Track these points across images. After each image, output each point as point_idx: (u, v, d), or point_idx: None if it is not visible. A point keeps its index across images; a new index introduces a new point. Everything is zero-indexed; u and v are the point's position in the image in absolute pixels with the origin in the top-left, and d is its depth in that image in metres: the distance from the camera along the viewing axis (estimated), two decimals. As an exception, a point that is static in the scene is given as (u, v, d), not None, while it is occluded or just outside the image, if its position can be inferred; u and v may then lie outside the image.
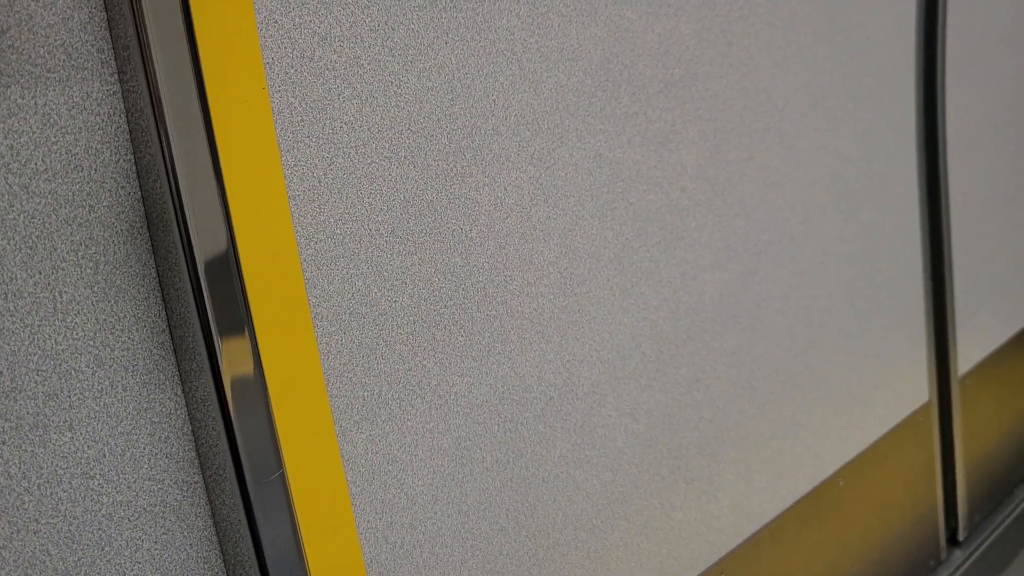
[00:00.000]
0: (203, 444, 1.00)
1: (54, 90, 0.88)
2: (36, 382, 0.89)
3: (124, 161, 0.93)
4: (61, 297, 0.90)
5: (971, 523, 2.41)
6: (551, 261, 1.33)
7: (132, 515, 0.96)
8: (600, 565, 1.46)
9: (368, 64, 1.09)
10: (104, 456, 0.93)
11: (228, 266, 0.96)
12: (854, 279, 1.96)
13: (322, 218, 1.07)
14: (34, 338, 0.89)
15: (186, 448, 1.00)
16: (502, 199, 1.26)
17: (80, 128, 0.90)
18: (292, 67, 1.03)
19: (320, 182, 1.06)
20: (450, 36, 1.17)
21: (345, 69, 1.07)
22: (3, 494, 0.87)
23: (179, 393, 0.99)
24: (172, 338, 0.98)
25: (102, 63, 0.91)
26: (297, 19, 1.03)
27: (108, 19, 0.91)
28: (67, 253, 0.90)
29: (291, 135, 1.03)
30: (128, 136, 0.93)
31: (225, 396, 0.96)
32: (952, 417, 2.30)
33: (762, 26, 1.65)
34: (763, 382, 1.74)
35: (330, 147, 1.07)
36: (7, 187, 0.86)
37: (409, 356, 1.17)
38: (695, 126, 1.54)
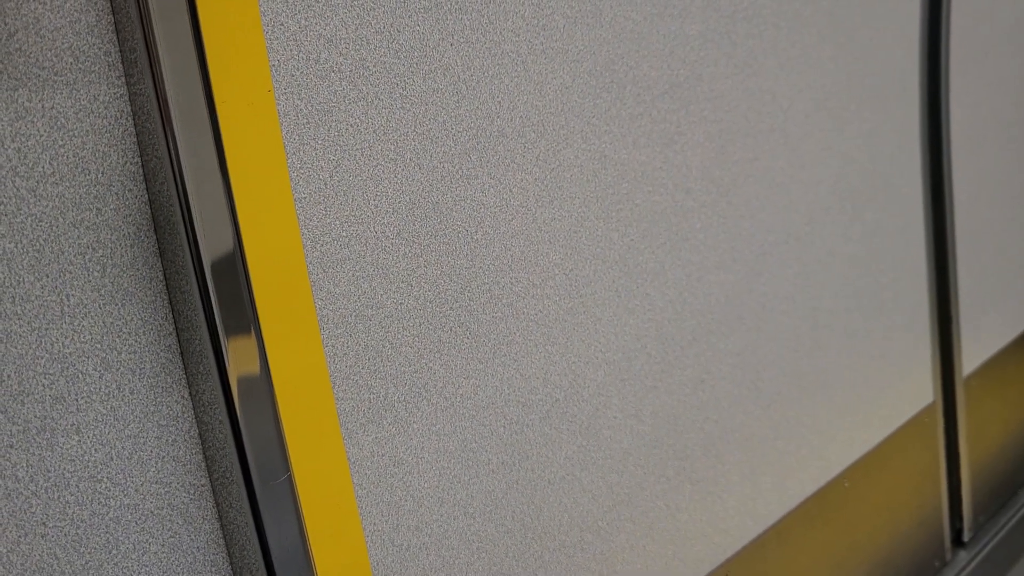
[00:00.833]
0: (210, 447, 1.00)
1: (61, 93, 0.88)
2: (43, 385, 0.89)
3: (131, 164, 0.93)
4: (68, 300, 0.90)
5: (976, 524, 2.41)
6: (556, 263, 1.33)
7: (139, 518, 0.96)
8: (606, 567, 1.45)
9: (374, 66, 1.09)
10: (111, 459, 0.93)
11: (235, 268, 0.96)
12: (859, 280, 1.96)
13: (328, 220, 1.07)
14: (41, 341, 0.89)
15: (193, 451, 1.00)
16: (507, 201, 1.26)
17: (87, 131, 0.90)
18: (298, 69, 1.03)
19: (326, 184, 1.06)
20: (455, 38, 1.17)
21: (351, 71, 1.07)
22: (11, 497, 0.87)
23: (186, 396, 0.99)
24: (179, 341, 0.98)
25: (109, 66, 0.91)
26: (303, 21, 1.03)
27: (115, 22, 0.91)
28: (74, 256, 0.90)
29: (297, 137, 1.03)
30: (135, 139, 0.93)
31: (232, 399, 0.96)
32: (957, 418, 2.29)
33: (767, 27, 1.65)
34: (768, 383, 1.74)
35: (336, 149, 1.07)
36: (15, 190, 0.86)
37: (415, 358, 1.17)
38: (700, 127, 1.54)
